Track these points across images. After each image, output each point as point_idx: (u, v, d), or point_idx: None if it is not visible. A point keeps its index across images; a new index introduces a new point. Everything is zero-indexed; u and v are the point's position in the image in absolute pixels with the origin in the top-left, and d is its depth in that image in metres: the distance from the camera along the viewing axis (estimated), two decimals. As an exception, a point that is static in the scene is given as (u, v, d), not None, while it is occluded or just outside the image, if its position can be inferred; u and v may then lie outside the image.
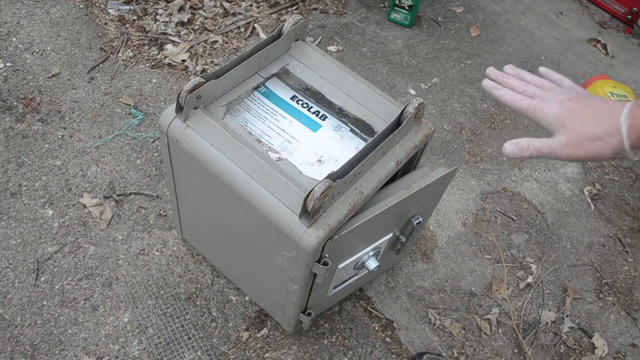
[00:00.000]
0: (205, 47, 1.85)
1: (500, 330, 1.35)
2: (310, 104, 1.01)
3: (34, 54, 1.71)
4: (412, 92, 1.86)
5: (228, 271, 1.29)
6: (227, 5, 2.00)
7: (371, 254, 1.04)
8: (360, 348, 1.27)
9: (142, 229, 1.38)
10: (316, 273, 0.93)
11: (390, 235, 1.05)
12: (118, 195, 1.43)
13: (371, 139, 0.90)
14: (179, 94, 0.90)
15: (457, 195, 1.60)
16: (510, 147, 0.67)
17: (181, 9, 1.94)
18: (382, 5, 2.16)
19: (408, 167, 1.08)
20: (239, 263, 1.17)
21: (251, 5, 2.03)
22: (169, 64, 1.77)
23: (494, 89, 0.71)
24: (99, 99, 1.64)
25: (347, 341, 1.27)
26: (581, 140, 0.62)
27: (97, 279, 1.29)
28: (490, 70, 0.75)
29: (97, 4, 1.90)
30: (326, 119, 0.99)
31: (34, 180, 1.43)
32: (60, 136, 1.53)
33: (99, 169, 1.48)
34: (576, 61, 2.11)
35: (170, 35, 1.85)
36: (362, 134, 0.98)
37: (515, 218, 1.58)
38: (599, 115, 0.61)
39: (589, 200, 1.67)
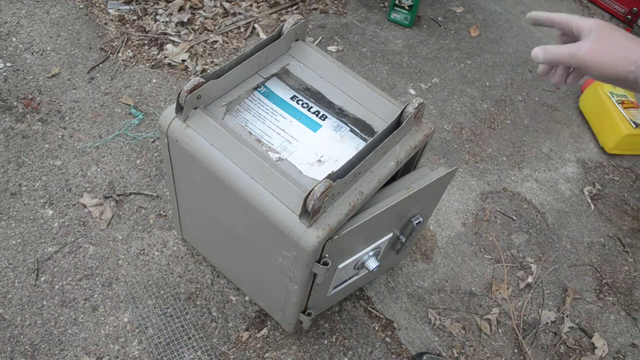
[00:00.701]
0: (205, 47, 1.85)
1: (500, 330, 1.35)
2: (310, 104, 1.01)
3: (34, 54, 1.71)
4: (412, 92, 1.86)
5: (228, 271, 1.29)
6: (227, 5, 2.00)
7: (371, 254, 1.04)
8: (360, 348, 1.27)
9: (142, 229, 1.38)
10: (316, 273, 0.93)
11: (390, 235, 1.05)
12: (118, 195, 1.43)
13: (371, 139, 0.90)
14: (179, 94, 0.90)
15: (457, 195, 1.60)
16: (537, 49, 0.67)
17: (181, 9, 1.94)
18: (382, 5, 2.16)
19: (408, 167, 1.08)
20: (239, 263, 1.17)
21: (251, 5, 2.03)
22: (169, 64, 1.77)
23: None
24: (99, 99, 1.64)
25: (347, 341, 1.27)
26: (611, 45, 0.61)
27: (97, 279, 1.29)
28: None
29: (97, 4, 1.90)
30: (326, 119, 0.99)
31: (34, 180, 1.43)
32: (60, 136, 1.53)
33: (99, 169, 1.48)
34: (576, 61, 2.10)
35: (170, 35, 1.85)
36: (362, 134, 0.98)
37: (515, 218, 1.58)
38: (627, 36, 0.62)
39: (589, 200, 1.67)
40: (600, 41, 0.62)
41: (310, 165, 0.93)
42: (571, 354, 1.34)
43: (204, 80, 0.91)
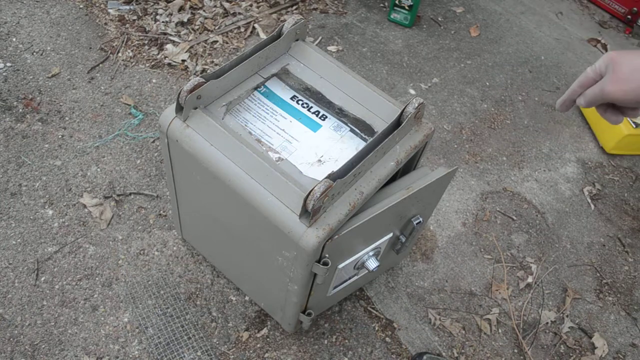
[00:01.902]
0: (205, 47, 1.85)
1: (500, 330, 1.35)
2: (310, 104, 1.01)
3: (34, 54, 1.71)
4: (412, 92, 1.86)
5: (228, 271, 1.29)
6: (227, 5, 2.00)
7: (371, 254, 1.04)
8: (360, 348, 1.27)
9: (142, 229, 1.38)
10: (316, 273, 0.93)
11: (390, 235, 1.05)
12: (118, 195, 1.43)
13: (371, 139, 0.90)
14: (179, 94, 0.90)
15: (457, 195, 1.60)
16: (579, 99, 0.70)
17: (181, 9, 1.94)
18: (382, 5, 2.16)
19: (408, 167, 1.08)
20: (239, 263, 1.17)
21: (251, 5, 2.03)
22: (169, 64, 1.77)
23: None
24: (99, 99, 1.64)
25: (347, 341, 1.28)
26: (628, 74, 0.64)
27: (97, 279, 1.29)
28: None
29: (97, 4, 1.90)
30: (326, 119, 0.99)
31: (34, 180, 1.43)
32: (60, 136, 1.53)
33: (99, 169, 1.48)
34: (576, 61, 2.11)
35: (170, 35, 1.85)
36: (362, 134, 0.98)
37: (515, 218, 1.58)
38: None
39: (589, 200, 1.67)
40: (618, 71, 0.65)
41: (310, 165, 0.93)
42: (571, 354, 1.34)
43: (204, 80, 0.91)
